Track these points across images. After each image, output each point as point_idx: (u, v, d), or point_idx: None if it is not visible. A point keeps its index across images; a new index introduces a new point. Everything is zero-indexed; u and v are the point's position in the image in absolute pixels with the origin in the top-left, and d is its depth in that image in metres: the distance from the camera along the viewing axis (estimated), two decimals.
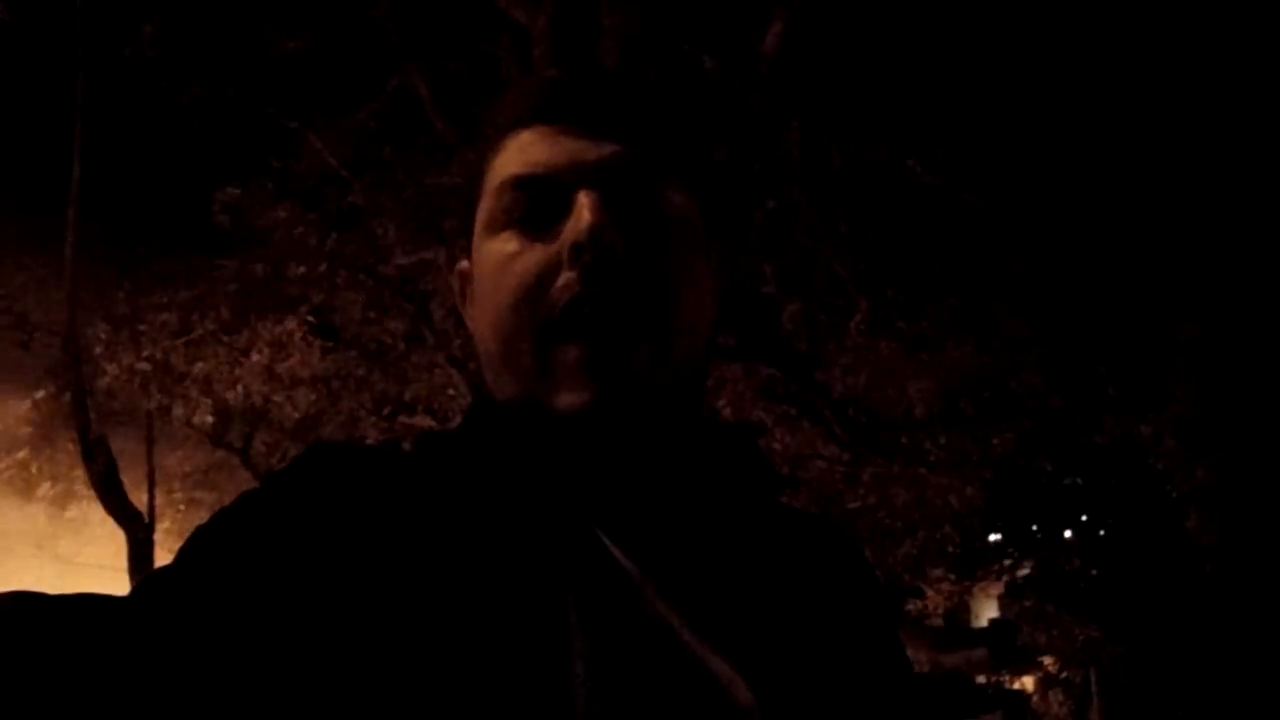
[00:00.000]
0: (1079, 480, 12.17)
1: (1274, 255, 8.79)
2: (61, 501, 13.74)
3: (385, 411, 11.14)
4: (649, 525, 0.81)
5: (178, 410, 10.42)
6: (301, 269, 9.18)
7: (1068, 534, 15.62)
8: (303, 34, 8.23)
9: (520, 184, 0.83)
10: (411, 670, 0.71)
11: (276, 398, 10.50)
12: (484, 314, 0.85)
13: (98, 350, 9.55)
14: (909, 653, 0.95)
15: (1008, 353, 9.42)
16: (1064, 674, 16.70)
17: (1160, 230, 8.52)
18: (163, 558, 8.79)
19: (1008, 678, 19.85)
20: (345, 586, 0.73)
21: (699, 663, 0.75)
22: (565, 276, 0.79)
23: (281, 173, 9.13)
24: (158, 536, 9.46)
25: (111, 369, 9.56)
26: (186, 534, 0.80)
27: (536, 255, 0.81)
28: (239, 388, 10.04)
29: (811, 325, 9.72)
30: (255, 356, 9.79)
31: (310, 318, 9.81)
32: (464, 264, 0.91)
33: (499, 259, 0.83)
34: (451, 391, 9.96)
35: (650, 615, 0.76)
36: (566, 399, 0.79)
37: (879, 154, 8.18)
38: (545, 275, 0.80)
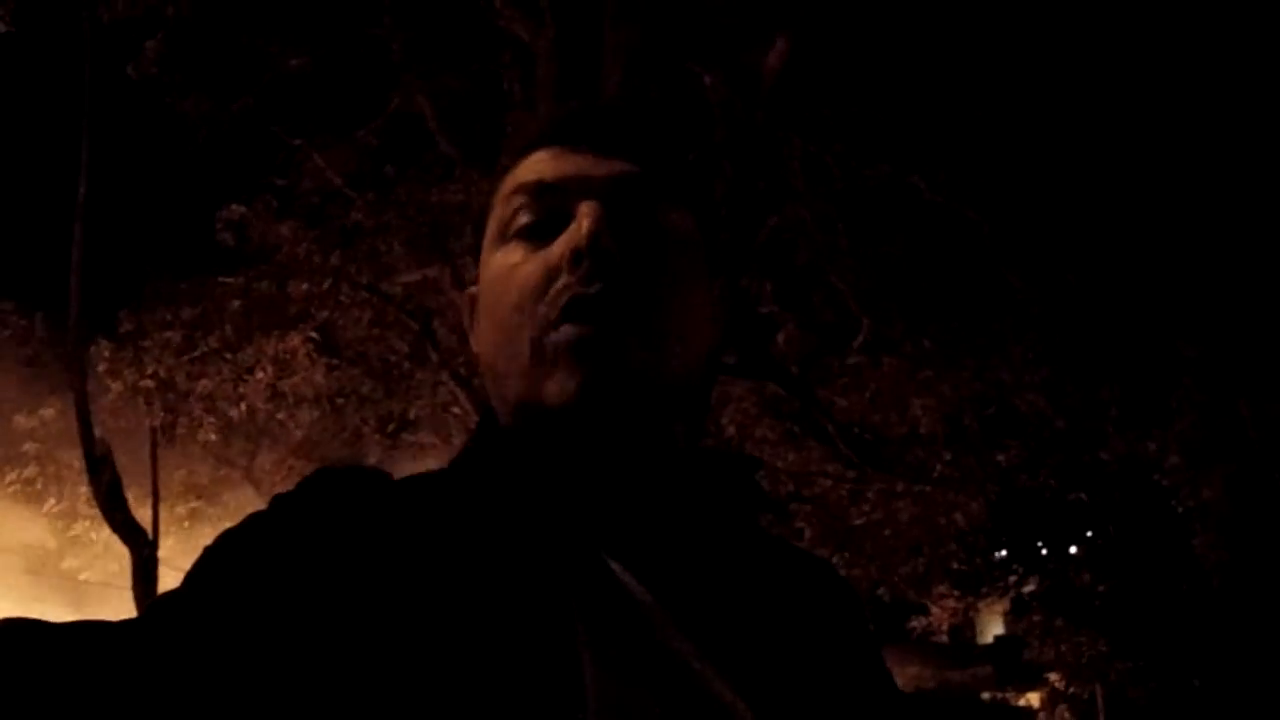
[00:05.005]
0: (1084, 496, 12.15)
1: (1278, 272, 8.78)
2: (66, 518, 13.75)
3: (389, 429, 11.15)
4: (656, 552, 0.81)
5: (181, 427, 10.43)
6: (305, 286, 9.19)
7: (1073, 550, 15.59)
8: (305, 52, 8.26)
9: (526, 190, 0.85)
10: (422, 698, 0.70)
11: (280, 415, 10.52)
12: (488, 322, 0.87)
13: (102, 367, 9.56)
14: (914, 669, 0.95)
15: (1011, 370, 9.41)
16: (1071, 689, 16.64)
17: (1164, 248, 8.52)
18: (166, 575, 8.79)
19: (1013, 694, 19.80)
20: (353, 614, 0.73)
21: (711, 693, 0.75)
22: (564, 280, 0.81)
23: (285, 190, 9.15)
24: (162, 553, 9.42)
25: (116, 386, 9.57)
26: (190, 551, 0.80)
27: (538, 263, 0.83)
28: (243, 405, 10.04)
29: (813, 343, 9.73)
30: (259, 374, 9.80)
31: (314, 335, 9.81)
32: (472, 289, 0.94)
33: (503, 269, 0.85)
34: (456, 410, 9.95)
35: (662, 643, 0.77)
36: (555, 386, 0.80)
37: (881, 171, 8.19)
38: (546, 280, 0.82)
